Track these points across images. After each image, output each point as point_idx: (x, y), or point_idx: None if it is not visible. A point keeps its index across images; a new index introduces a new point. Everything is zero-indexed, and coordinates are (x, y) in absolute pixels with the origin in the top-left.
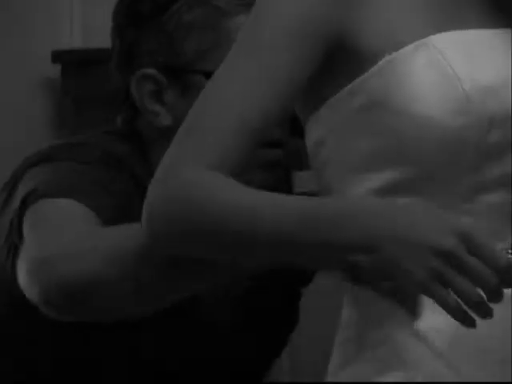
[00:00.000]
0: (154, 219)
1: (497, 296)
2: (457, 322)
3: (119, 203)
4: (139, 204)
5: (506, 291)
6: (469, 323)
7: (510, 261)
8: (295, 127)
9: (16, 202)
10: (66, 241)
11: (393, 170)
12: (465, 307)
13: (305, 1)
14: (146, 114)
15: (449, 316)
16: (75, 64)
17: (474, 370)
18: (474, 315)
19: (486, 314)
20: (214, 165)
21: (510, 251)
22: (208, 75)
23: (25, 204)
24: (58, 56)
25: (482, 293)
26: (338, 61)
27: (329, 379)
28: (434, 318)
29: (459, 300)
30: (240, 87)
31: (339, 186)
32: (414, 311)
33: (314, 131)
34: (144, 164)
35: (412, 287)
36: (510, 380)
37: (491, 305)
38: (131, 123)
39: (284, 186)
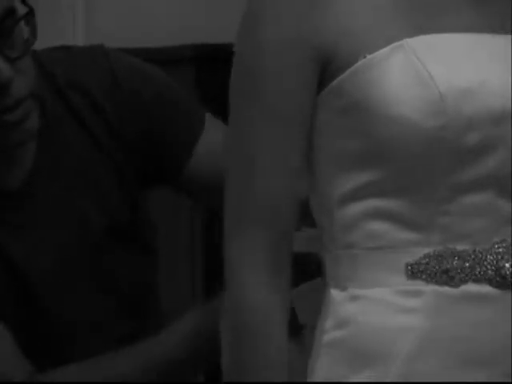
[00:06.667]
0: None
1: None
2: (423, 324)
3: None
4: None
5: (469, 290)
6: None
7: None
8: None
9: None
10: None
11: (370, 171)
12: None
13: (283, 29)
14: None
15: (415, 318)
16: None
17: (438, 370)
18: (444, 315)
19: None
20: (267, 260)
21: (501, 245)
22: None
23: None
24: None
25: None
26: (322, 65)
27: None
28: (400, 319)
29: None
30: (268, 156)
31: (324, 186)
32: None
33: None
34: None
35: None
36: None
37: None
38: None
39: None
